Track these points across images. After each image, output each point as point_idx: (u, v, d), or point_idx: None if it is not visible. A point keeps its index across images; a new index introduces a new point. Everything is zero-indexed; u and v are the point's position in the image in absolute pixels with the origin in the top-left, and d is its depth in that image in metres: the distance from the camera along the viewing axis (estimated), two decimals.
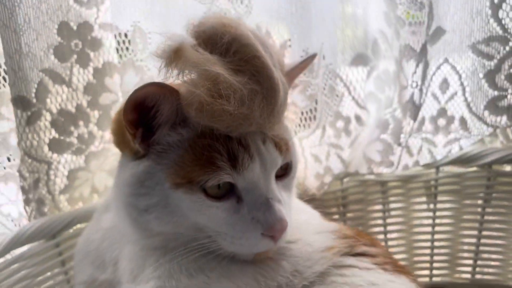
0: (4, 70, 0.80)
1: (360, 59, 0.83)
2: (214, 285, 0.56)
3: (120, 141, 0.60)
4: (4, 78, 0.81)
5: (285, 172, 0.60)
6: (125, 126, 0.54)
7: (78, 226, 0.81)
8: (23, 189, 0.81)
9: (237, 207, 0.55)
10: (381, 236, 0.93)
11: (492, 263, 0.92)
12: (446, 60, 0.81)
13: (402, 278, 0.61)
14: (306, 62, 0.64)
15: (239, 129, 0.53)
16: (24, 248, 0.77)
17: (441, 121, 0.84)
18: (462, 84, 0.81)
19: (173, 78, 0.51)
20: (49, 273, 0.79)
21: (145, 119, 0.54)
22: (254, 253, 0.57)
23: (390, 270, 0.62)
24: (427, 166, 0.88)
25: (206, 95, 0.48)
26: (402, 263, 0.87)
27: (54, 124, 0.77)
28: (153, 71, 0.85)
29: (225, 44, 0.51)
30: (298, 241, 0.63)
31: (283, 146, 0.58)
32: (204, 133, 0.54)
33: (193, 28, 0.53)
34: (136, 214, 0.57)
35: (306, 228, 0.66)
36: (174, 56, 0.49)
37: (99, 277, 0.67)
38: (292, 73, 0.62)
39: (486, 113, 0.80)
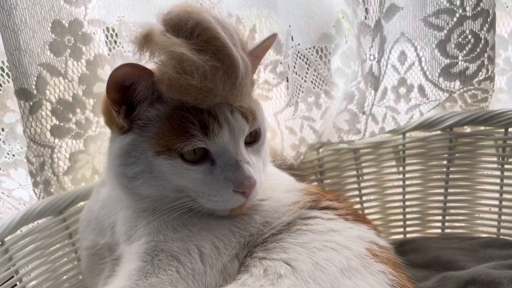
0: (7, 66, 0.90)
1: (325, 38, 0.91)
2: (195, 237, 0.65)
3: (108, 120, 0.69)
4: (7, 74, 0.90)
5: (254, 139, 0.69)
6: (110, 104, 0.64)
7: (82, 203, 0.91)
8: (31, 173, 0.91)
9: (211, 169, 0.64)
10: (357, 199, 1.02)
11: (460, 217, 1.01)
12: (402, 34, 0.89)
13: (361, 226, 0.70)
14: (269, 41, 0.72)
15: (206, 101, 0.61)
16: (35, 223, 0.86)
17: (402, 90, 0.92)
18: (418, 55, 0.89)
19: (146, 60, 0.60)
20: (58, 245, 0.89)
21: (126, 98, 0.63)
22: (229, 209, 0.66)
23: (350, 220, 0.71)
24: (394, 132, 0.97)
25: (173, 72, 0.57)
26: (377, 222, 0.97)
27: (54, 112, 0.86)
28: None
29: (189, 29, 0.59)
30: (269, 198, 0.72)
31: (249, 115, 0.66)
32: (178, 107, 0.63)
33: (162, 16, 0.62)
34: (126, 181, 0.67)
35: (276, 188, 0.75)
36: (144, 41, 0.58)
37: (100, 241, 0.76)
38: (256, 52, 0.70)
39: (441, 79, 0.88)
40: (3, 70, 0.90)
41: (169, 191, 0.66)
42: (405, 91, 0.92)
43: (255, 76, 0.75)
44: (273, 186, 0.75)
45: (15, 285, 0.83)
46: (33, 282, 0.85)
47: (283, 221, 0.68)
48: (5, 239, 0.81)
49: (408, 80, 0.92)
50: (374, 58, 0.84)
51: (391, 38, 0.89)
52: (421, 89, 0.91)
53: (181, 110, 0.62)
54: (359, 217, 0.73)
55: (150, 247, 0.64)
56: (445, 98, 0.90)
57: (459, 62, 0.87)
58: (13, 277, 0.82)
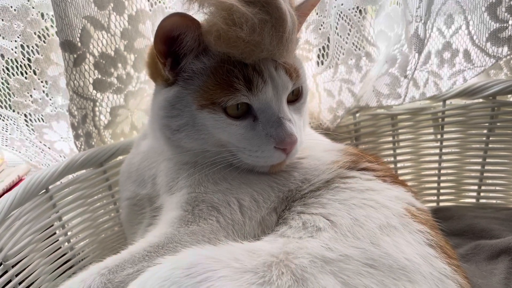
0: (51, 19, 0.91)
1: None
2: (235, 190, 0.67)
3: (153, 72, 0.70)
4: (52, 27, 0.92)
5: (296, 98, 0.69)
6: (156, 56, 0.64)
7: (121, 157, 0.93)
8: (72, 125, 0.93)
9: (253, 125, 0.65)
10: (392, 166, 1.02)
11: (496, 187, 0.99)
12: None
13: (399, 187, 0.70)
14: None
15: (252, 56, 0.61)
16: (77, 174, 0.90)
17: (446, 54, 0.90)
18: (465, 18, 0.86)
19: (194, 11, 0.60)
20: (98, 196, 0.92)
21: (172, 50, 0.64)
22: (269, 165, 0.67)
23: (388, 182, 0.71)
24: (434, 98, 0.95)
25: (222, 23, 0.57)
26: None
27: (96, 66, 0.87)
28: None
29: None
30: (308, 156, 0.73)
31: (293, 72, 0.66)
32: (224, 61, 0.63)
33: None
34: (169, 133, 0.68)
35: (316, 147, 0.76)
36: None
37: (140, 192, 0.79)
38: (303, 8, 0.69)
39: (488, 44, 0.86)
40: (47, 23, 0.91)
41: (210, 145, 0.67)
42: (450, 55, 0.90)
43: (298, 35, 0.74)
44: (312, 145, 0.75)
45: (54, 233, 0.86)
46: (75, 230, 0.89)
47: (322, 178, 0.69)
48: (49, 187, 0.84)
49: (453, 44, 0.89)
50: (421, 20, 0.82)
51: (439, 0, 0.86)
52: (467, 54, 0.89)
53: (226, 64, 0.63)
54: (397, 180, 0.73)
55: (191, 197, 0.66)
56: (491, 64, 0.87)
57: (509, 27, 0.84)
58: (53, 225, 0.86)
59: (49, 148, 1.06)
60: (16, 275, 0.77)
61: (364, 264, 0.54)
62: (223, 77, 0.63)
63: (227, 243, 0.58)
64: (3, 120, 1.01)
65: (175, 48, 0.64)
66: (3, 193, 0.97)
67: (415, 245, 0.59)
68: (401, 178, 1.00)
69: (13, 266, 0.77)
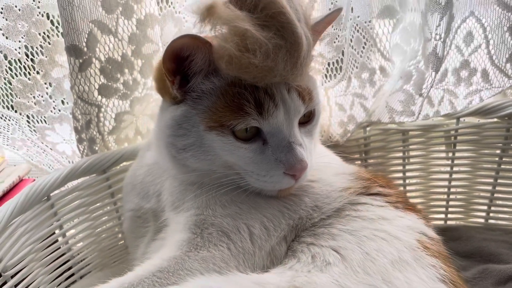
0: (57, 21, 0.88)
1: (387, 12, 0.85)
2: (244, 215, 0.64)
3: (161, 87, 0.67)
4: (57, 28, 0.89)
5: (308, 119, 0.67)
6: (164, 74, 0.62)
7: (125, 163, 0.91)
8: (76, 129, 0.91)
9: (262, 149, 0.62)
10: (400, 182, 1.00)
11: (506, 209, 0.97)
12: (471, 13, 0.83)
13: (411, 215, 0.68)
14: (332, 16, 0.68)
15: (265, 80, 0.59)
16: (79, 181, 0.88)
17: (464, 73, 0.87)
18: (486, 37, 0.83)
19: (206, 33, 0.57)
20: (100, 203, 0.90)
21: (181, 68, 0.61)
22: (277, 190, 0.65)
23: (400, 208, 0.69)
24: (448, 116, 0.92)
25: (235, 49, 0.54)
26: (419, 206, 0.95)
27: (102, 71, 0.85)
28: (190, 23, 0.91)
29: (253, 1, 0.56)
30: (319, 180, 0.70)
31: (306, 95, 0.64)
32: (234, 82, 0.60)
33: None
34: (175, 152, 0.66)
35: (326, 169, 0.73)
36: (207, 12, 0.55)
37: (144, 206, 0.77)
38: (319, 27, 0.66)
39: (508, 65, 0.83)
40: (53, 24, 0.88)
41: (217, 167, 0.65)
42: (467, 74, 0.87)
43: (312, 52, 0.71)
44: (322, 167, 0.73)
45: (56, 241, 0.85)
46: (76, 238, 0.88)
47: (333, 207, 0.67)
48: (51, 195, 0.82)
49: (471, 63, 0.86)
50: (440, 38, 0.79)
51: (459, 16, 0.83)
52: (485, 73, 0.86)
53: (237, 86, 0.60)
54: (409, 205, 0.71)
55: (200, 220, 0.64)
56: (510, 85, 0.84)
57: None
58: (54, 233, 0.84)
59: (51, 149, 1.04)
60: (15, 286, 0.76)
61: None
62: (233, 99, 0.60)
63: (235, 274, 0.57)
64: (4, 120, 0.99)
65: (184, 67, 0.61)
66: (3, 195, 0.95)
67: (428, 281, 0.58)
68: (409, 194, 0.99)
69: (12, 277, 0.75)
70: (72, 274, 0.87)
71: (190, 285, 0.54)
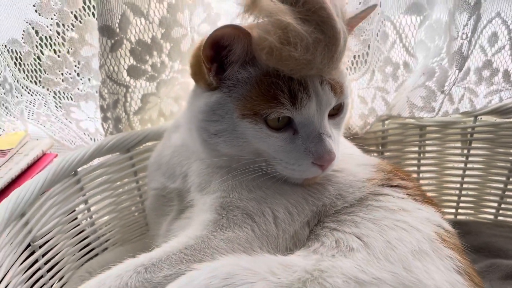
0: (89, 0, 0.89)
1: (414, 8, 0.87)
2: (269, 200, 0.67)
3: (196, 73, 0.69)
4: (88, 7, 0.90)
5: (337, 112, 0.69)
6: (202, 61, 0.63)
7: (148, 144, 0.93)
8: (101, 108, 0.93)
9: (293, 138, 0.65)
10: (415, 175, 1.02)
11: None
12: (498, 14, 0.84)
13: (429, 208, 0.71)
14: (367, 12, 0.69)
15: (301, 72, 0.61)
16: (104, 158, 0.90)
17: (486, 73, 0.89)
18: (510, 38, 0.84)
19: (247, 23, 0.59)
20: (123, 181, 0.93)
21: (219, 57, 0.63)
22: (304, 178, 0.68)
23: (419, 201, 0.71)
24: (465, 114, 0.94)
25: (277, 42, 0.56)
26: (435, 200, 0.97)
27: (132, 52, 0.86)
28: (219, 9, 0.93)
29: None
30: (343, 170, 0.73)
31: (338, 88, 0.66)
32: (270, 73, 0.62)
33: None
34: (207, 137, 0.68)
35: (350, 160, 0.75)
36: (251, 4, 0.57)
37: (169, 185, 0.79)
38: (353, 22, 0.68)
39: None
40: (85, 3, 0.90)
41: (247, 153, 0.67)
42: (489, 74, 0.89)
43: None
44: (346, 158, 0.75)
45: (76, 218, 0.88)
46: (99, 213, 0.91)
47: (356, 196, 0.69)
48: (78, 170, 0.85)
49: (494, 63, 0.88)
50: (466, 37, 0.80)
51: (485, 17, 0.84)
52: (507, 74, 0.88)
53: (272, 76, 0.62)
54: (427, 199, 0.74)
55: (225, 202, 0.67)
56: None
57: None
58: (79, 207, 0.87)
59: (74, 126, 1.06)
60: (43, 256, 0.79)
61: None
62: (268, 89, 0.62)
63: (263, 255, 0.59)
64: (32, 95, 1.01)
65: (222, 55, 0.63)
66: (28, 167, 0.98)
67: (445, 271, 0.60)
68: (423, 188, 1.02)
69: (40, 247, 0.78)
70: (93, 248, 0.90)
71: (221, 262, 0.57)
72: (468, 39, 0.81)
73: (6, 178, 0.92)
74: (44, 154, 1.07)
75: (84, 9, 0.90)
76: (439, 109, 0.90)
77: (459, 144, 0.98)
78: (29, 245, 0.77)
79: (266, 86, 0.62)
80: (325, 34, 0.58)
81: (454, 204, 1.04)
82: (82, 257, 0.88)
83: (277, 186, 0.68)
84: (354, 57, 0.90)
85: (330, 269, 0.57)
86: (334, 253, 0.61)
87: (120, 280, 0.61)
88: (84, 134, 1.08)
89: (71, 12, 0.89)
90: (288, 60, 0.58)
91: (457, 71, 0.84)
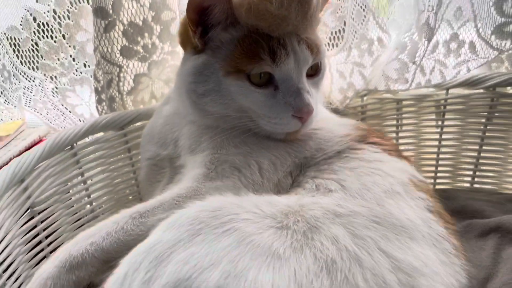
0: None
1: None
2: (255, 154, 0.73)
3: (184, 40, 0.76)
4: None
5: (315, 72, 0.75)
6: (188, 24, 0.70)
7: (139, 123, 0.98)
8: (96, 90, 0.99)
9: (274, 94, 0.71)
10: None
11: (490, 174, 1.06)
12: None
13: (403, 161, 0.77)
14: None
15: (279, 29, 0.67)
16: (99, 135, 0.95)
17: (453, 45, 0.96)
18: (474, 11, 0.92)
19: None
20: (118, 156, 0.98)
21: (203, 21, 0.70)
22: (285, 132, 0.73)
23: (394, 155, 0.77)
24: (438, 87, 1.01)
25: None
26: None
27: (125, 33, 0.92)
28: None
29: None
30: (323, 128, 0.79)
31: (314, 48, 0.72)
32: (251, 32, 0.69)
33: None
34: (195, 97, 0.74)
35: (329, 121, 0.82)
36: None
37: (161, 153, 0.84)
38: None
39: (493, 37, 0.92)
40: None
41: (232, 110, 0.73)
42: (456, 46, 0.96)
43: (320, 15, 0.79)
44: (327, 118, 0.82)
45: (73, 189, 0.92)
46: (95, 186, 0.95)
47: (334, 149, 0.75)
48: (75, 144, 0.90)
49: (460, 35, 0.95)
50: (433, 10, 0.88)
51: None
52: (472, 45, 0.95)
53: (253, 35, 0.68)
54: (402, 155, 0.80)
55: (214, 158, 0.72)
56: (494, 57, 0.93)
57: None
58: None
59: (70, 112, 1.11)
60: (41, 222, 0.83)
61: (370, 220, 0.60)
62: (250, 47, 0.68)
63: (250, 195, 0.65)
64: (29, 81, 1.06)
65: (205, 18, 0.69)
66: (25, 150, 1.03)
67: (416, 209, 0.66)
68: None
69: (39, 213, 0.82)
70: (90, 220, 0.94)
71: (210, 199, 0.61)
72: (434, 11, 0.88)
73: (4, 158, 0.97)
74: (40, 140, 1.12)
75: None
76: (412, 80, 0.96)
77: (433, 116, 1.05)
78: (28, 210, 0.81)
79: (248, 44, 0.68)
80: None
81: (432, 174, 1.09)
82: (79, 227, 0.92)
83: (262, 142, 0.74)
84: (332, 33, 0.97)
85: (310, 204, 0.62)
86: (314, 194, 0.66)
87: (116, 225, 0.66)
88: (80, 119, 1.13)
89: None
90: (265, 15, 0.64)
91: (426, 42, 0.91)
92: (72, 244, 0.65)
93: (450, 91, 1.02)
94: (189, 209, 0.60)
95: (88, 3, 0.97)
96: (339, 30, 0.97)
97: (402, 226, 0.61)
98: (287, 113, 0.70)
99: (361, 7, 0.94)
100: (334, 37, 0.98)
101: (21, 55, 1.03)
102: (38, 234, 0.82)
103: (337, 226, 0.58)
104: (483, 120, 1.02)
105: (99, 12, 0.89)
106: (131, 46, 0.94)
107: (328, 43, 0.98)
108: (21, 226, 0.78)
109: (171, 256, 0.52)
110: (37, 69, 1.04)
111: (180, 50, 0.99)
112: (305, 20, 0.67)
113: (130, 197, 1.02)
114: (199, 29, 0.71)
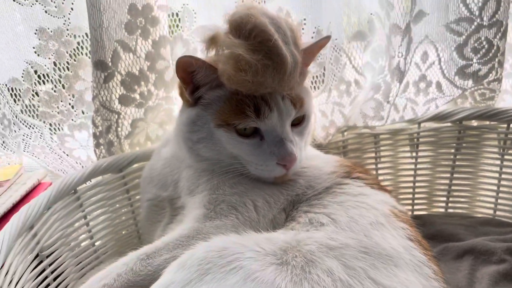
0: (81, 41, 1.03)
1: (359, 35, 1.05)
2: (250, 193, 0.80)
3: (181, 93, 0.84)
4: (81, 47, 1.03)
5: (299, 122, 0.83)
6: (180, 81, 0.78)
7: (136, 165, 1.04)
8: (94, 135, 1.04)
9: (260, 143, 0.78)
10: None
11: (462, 199, 1.16)
12: (426, 37, 1.03)
13: (384, 193, 0.85)
14: (323, 42, 0.84)
15: (258, 91, 0.75)
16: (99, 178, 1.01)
17: (422, 85, 1.07)
18: (438, 55, 1.03)
19: (211, 56, 0.75)
20: (117, 198, 1.03)
21: (191, 79, 0.78)
22: (273, 177, 0.80)
23: (376, 188, 0.85)
24: (411, 122, 1.11)
25: (231, 69, 0.71)
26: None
27: (122, 83, 0.99)
28: (197, 44, 1.08)
29: (247, 31, 0.72)
30: (311, 167, 0.86)
31: (297, 102, 0.80)
32: (237, 92, 0.76)
33: (228, 17, 0.75)
34: (191, 144, 0.82)
35: (316, 159, 0.90)
36: (211, 41, 0.73)
37: (162, 194, 0.90)
38: (310, 50, 0.82)
39: (456, 78, 1.03)
40: (78, 44, 1.03)
41: (224, 157, 0.81)
42: (425, 86, 1.07)
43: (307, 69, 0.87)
44: (314, 157, 0.90)
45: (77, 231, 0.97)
46: (97, 227, 1.00)
47: (323, 186, 0.83)
48: (77, 189, 0.95)
49: (428, 76, 1.06)
50: (402, 55, 0.98)
51: (417, 39, 1.03)
52: (439, 85, 1.06)
53: (239, 94, 0.76)
54: (382, 187, 0.88)
55: (212, 198, 0.79)
56: (459, 95, 1.04)
57: (473, 64, 1.01)
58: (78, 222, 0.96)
59: (67, 155, 1.16)
60: (49, 265, 0.87)
61: (359, 251, 0.67)
62: (236, 104, 0.76)
63: (250, 233, 0.71)
64: (28, 128, 1.11)
65: (193, 78, 0.78)
66: (26, 194, 1.07)
67: (398, 238, 0.73)
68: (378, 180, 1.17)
69: (47, 257, 0.87)
70: (93, 260, 0.99)
71: (214, 240, 0.68)
72: (403, 57, 0.99)
73: (7, 204, 1.01)
74: (39, 183, 1.16)
75: (78, 49, 1.03)
76: (387, 117, 1.06)
77: (408, 148, 1.14)
78: (37, 255, 0.85)
79: (235, 102, 0.76)
80: (272, 60, 0.72)
81: (410, 201, 1.18)
82: (83, 268, 0.96)
83: (254, 182, 0.81)
84: (313, 77, 1.06)
85: (306, 239, 0.68)
86: (308, 228, 0.73)
87: (126, 267, 0.71)
88: (76, 162, 1.17)
89: (67, 52, 1.02)
90: (243, 83, 0.72)
91: (398, 84, 1.01)
92: (85, 287, 0.70)
93: (422, 125, 1.12)
94: (197, 249, 0.66)
95: (87, 56, 1.03)
96: (320, 75, 1.06)
97: (388, 255, 0.68)
98: (272, 161, 0.77)
99: (338, 53, 1.04)
100: (315, 80, 1.07)
101: (21, 104, 1.08)
102: (46, 277, 0.86)
103: (331, 259, 0.65)
104: (453, 151, 1.12)
105: (99, 65, 0.96)
106: (128, 94, 1.01)
107: (311, 86, 1.07)
108: (32, 271, 0.82)
109: None
110: (37, 116, 1.09)
111: (173, 95, 1.08)
112: (282, 82, 0.74)
113: (130, 236, 1.07)
114: (190, 86, 0.79)
